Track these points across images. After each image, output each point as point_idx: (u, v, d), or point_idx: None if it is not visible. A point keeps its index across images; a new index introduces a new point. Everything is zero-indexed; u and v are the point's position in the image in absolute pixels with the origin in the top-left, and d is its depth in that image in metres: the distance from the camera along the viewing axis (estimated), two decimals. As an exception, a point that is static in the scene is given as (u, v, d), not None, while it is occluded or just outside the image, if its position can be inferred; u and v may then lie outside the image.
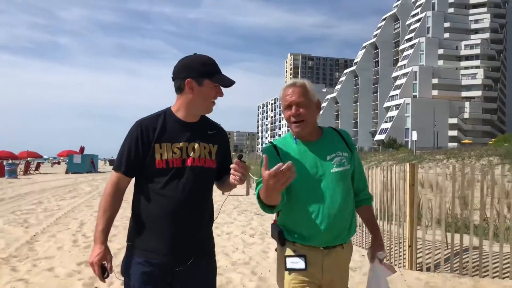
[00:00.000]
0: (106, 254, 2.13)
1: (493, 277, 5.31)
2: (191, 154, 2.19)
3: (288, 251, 2.24)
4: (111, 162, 75.37)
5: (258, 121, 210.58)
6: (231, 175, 2.07)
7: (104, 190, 2.21)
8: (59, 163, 74.40)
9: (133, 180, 2.27)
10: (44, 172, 38.05)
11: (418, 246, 5.82)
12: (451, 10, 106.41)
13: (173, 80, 2.23)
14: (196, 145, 2.20)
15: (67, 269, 5.65)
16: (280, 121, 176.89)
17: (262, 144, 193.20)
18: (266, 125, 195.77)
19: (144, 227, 2.17)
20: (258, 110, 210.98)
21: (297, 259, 2.19)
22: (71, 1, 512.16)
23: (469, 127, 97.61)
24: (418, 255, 5.77)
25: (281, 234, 2.26)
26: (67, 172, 36.28)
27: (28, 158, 39.51)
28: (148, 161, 2.14)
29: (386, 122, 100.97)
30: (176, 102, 2.26)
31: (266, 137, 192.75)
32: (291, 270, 2.19)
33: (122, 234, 7.62)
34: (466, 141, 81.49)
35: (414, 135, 38.97)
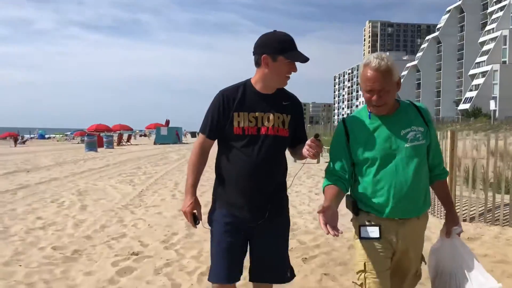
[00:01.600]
0: (196, 204, 2.46)
1: (520, 227, 6.22)
2: (266, 124, 2.40)
3: (362, 221, 2.28)
4: (192, 134, 79.58)
5: (334, 92, 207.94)
6: (306, 150, 2.24)
7: (192, 151, 2.52)
8: (145, 135, 79.59)
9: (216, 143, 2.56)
10: (135, 143, 41.75)
11: (457, 202, 6.79)
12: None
13: (253, 55, 2.42)
14: (271, 116, 2.41)
15: (171, 213, 7.36)
16: (358, 91, 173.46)
17: (338, 116, 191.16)
18: (343, 95, 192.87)
19: (225, 184, 2.47)
20: (335, 80, 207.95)
21: (371, 228, 2.22)
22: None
23: None
24: (457, 209, 6.77)
25: (355, 204, 2.31)
26: (155, 143, 39.56)
27: (121, 131, 43.42)
28: (228, 127, 2.39)
29: (471, 90, 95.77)
30: (255, 75, 2.45)
31: (343, 108, 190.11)
32: (365, 239, 2.24)
33: (209, 192, 9.28)
34: (561, 110, 75.51)
35: (492, 104, 37.51)
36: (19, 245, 5.37)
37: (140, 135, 77.80)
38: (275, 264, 2.54)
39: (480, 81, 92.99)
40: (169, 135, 40.49)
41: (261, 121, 2.39)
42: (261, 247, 2.51)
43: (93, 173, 13.80)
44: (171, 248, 5.27)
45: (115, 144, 35.63)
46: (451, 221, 2.39)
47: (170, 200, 8.71)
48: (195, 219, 2.46)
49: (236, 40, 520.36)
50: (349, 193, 2.39)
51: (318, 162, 16.26)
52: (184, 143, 42.49)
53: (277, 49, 2.31)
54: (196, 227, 2.54)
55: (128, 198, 8.93)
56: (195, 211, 2.45)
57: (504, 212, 6.40)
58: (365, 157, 2.25)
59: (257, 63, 2.39)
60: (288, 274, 2.60)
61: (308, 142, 2.22)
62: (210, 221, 2.56)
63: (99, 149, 27.29)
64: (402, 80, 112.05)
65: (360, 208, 2.30)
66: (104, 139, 30.96)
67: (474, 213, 6.73)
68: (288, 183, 2.63)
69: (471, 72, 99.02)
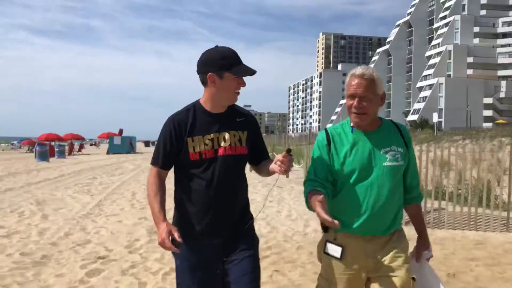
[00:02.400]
0: (170, 228, 2.15)
1: (448, 228, 7.05)
2: (222, 144, 2.28)
3: (329, 236, 2.29)
4: (146, 143, 78.81)
5: (289, 102, 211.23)
6: (277, 166, 2.14)
7: (148, 182, 2.35)
8: (95, 144, 77.95)
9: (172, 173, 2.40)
10: (87, 153, 41.09)
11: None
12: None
13: (197, 74, 2.31)
14: (226, 135, 2.29)
15: (132, 221, 7.73)
16: (311, 102, 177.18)
17: (292, 125, 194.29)
18: (297, 106, 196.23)
19: (188, 214, 2.32)
20: (289, 91, 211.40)
21: (335, 247, 2.24)
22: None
23: (505, 106, 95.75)
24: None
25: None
26: (108, 152, 39.12)
27: (72, 140, 42.61)
28: (183, 154, 2.27)
29: (419, 102, 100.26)
30: (203, 95, 2.34)
31: (297, 118, 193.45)
32: (327, 255, 2.27)
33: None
34: (500, 121, 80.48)
35: (435, 117, 39.78)
36: (-14, 252, 5.61)
37: (91, 144, 76.07)
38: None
39: (427, 93, 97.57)
40: (123, 144, 40.21)
41: (217, 142, 2.29)
42: (235, 282, 2.29)
43: (49, 183, 13.82)
44: (135, 252, 5.69)
45: (66, 154, 35.02)
46: (422, 246, 2.40)
47: (129, 209, 9.04)
48: (175, 244, 2.13)
49: (192, 48, 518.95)
50: None
51: (287, 176, 16.47)
52: (138, 153, 42.24)
53: (223, 65, 2.22)
54: (179, 251, 2.18)
55: (87, 207, 9.18)
56: (172, 234, 2.14)
57: (434, 216, 7.23)
58: (342, 171, 2.24)
59: (204, 82, 2.30)
60: None
61: (279, 157, 2.13)
62: (173, 255, 2.39)
63: (50, 159, 26.85)
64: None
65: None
66: (56, 149, 30.41)
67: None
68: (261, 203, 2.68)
69: (419, 84, 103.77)
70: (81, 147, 41.78)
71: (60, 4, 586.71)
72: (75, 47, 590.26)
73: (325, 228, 2.30)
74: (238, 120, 2.37)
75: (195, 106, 2.34)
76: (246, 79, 2.32)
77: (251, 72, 2.27)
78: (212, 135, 2.28)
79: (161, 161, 2.30)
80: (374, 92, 2.23)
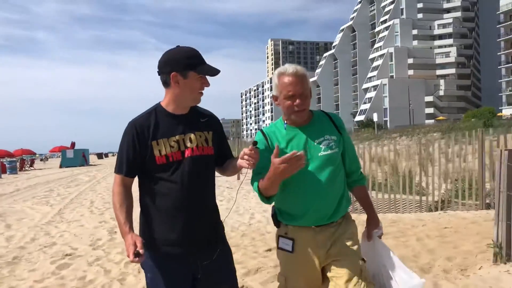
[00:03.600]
0: (135, 240, 2.04)
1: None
2: (189, 145, 2.22)
3: (281, 231, 2.37)
4: (99, 155, 77.62)
5: (242, 108, 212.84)
6: (243, 160, 2.11)
7: (113, 191, 2.23)
8: (46, 159, 75.94)
9: (136, 180, 2.29)
10: (39, 168, 40.38)
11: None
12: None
13: (159, 75, 2.24)
14: (192, 135, 2.24)
15: (92, 225, 8.42)
16: (263, 107, 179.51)
17: (247, 131, 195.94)
18: (250, 111, 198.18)
19: (156, 222, 2.21)
20: (242, 97, 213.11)
21: (286, 241, 2.32)
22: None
23: (444, 104, 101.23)
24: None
25: (274, 217, 2.41)
26: (61, 166, 38.64)
27: (23, 156, 41.74)
28: (148, 158, 2.18)
29: (365, 103, 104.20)
30: (165, 97, 2.26)
31: (251, 123, 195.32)
32: (281, 250, 2.35)
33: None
34: (440, 118, 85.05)
35: (375, 117, 42.09)
36: (-40, 258, 6.19)
37: (40, 160, 73.90)
38: None
39: (372, 94, 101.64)
40: (76, 157, 39.81)
41: (184, 143, 2.21)
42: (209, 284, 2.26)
43: (6, 197, 14.10)
44: (98, 249, 6.43)
45: (18, 169, 34.40)
46: (372, 225, 2.45)
47: (89, 215, 9.68)
48: (138, 255, 2.01)
49: (141, 57, 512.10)
50: (273, 204, 2.43)
51: (238, 178, 15.86)
52: (92, 165, 41.94)
53: (187, 65, 2.17)
54: (140, 261, 2.04)
55: (49, 216, 9.74)
56: (136, 246, 2.02)
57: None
58: None
59: (166, 83, 2.22)
60: None
61: (246, 151, 2.10)
62: (143, 265, 2.26)
63: (2, 175, 26.55)
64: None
65: (280, 220, 2.37)
66: (7, 165, 29.96)
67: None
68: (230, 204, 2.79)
69: (364, 86, 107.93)
70: (33, 162, 40.97)
71: (1, 16, 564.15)
72: (19, 60, 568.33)
73: (276, 223, 2.39)
74: (202, 121, 2.32)
75: (157, 109, 2.26)
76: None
77: (215, 71, 2.24)
78: (177, 137, 2.21)
79: (125, 169, 2.20)
80: (308, 87, 2.28)
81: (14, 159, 35.45)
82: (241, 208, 9.68)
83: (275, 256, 5.69)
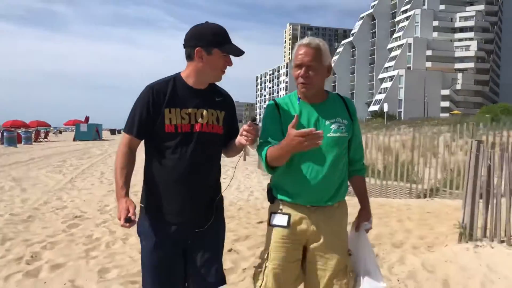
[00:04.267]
0: (129, 205, 2.08)
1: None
2: (199, 120, 2.23)
3: (275, 209, 2.32)
4: (112, 131, 78.74)
5: (256, 92, 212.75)
6: (243, 136, 2.15)
7: (117, 151, 2.25)
8: (60, 132, 77.22)
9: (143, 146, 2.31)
10: (53, 140, 41.38)
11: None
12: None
13: (184, 48, 2.25)
14: (204, 112, 2.25)
15: (101, 193, 9.01)
16: (278, 92, 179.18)
17: (260, 115, 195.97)
18: (265, 95, 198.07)
19: (157, 190, 2.24)
20: (257, 80, 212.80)
21: (280, 216, 2.27)
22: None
23: (460, 98, 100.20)
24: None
25: (269, 192, 2.37)
26: (74, 139, 39.55)
27: (38, 127, 42.75)
28: (158, 125, 2.19)
29: (380, 93, 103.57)
30: (186, 69, 2.27)
31: (264, 108, 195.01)
32: (274, 226, 2.29)
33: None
34: (455, 112, 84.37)
35: (385, 107, 42.20)
36: (-20, 214, 6.81)
37: (54, 132, 75.18)
38: (210, 273, 2.30)
39: (388, 84, 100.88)
40: (89, 131, 40.68)
41: (195, 118, 2.23)
42: (197, 257, 2.29)
43: (21, 165, 14.81)
44: (105, 213, 7.00)
45: (33, 140, 35.39)
46: (363, 217, 2.45)
47: (98, 185, 10.30)
48: (129, 221, 2.05)
49: (158, 35, 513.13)
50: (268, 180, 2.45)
51: (244, 159, 16.51)
52: (104, 140, 42.81)
53: (212, 41, 2.18)
54: (128, 227, 2.07)
55: (61, 183, 10.38)
56: (130, 215, 2.05)
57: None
58: None
59: (189, 57, 2.23)
60: (220, 281, 2.34)
61: (244, 127, 2.13)
62: (139, 232, 2.32)
63: (18, 145, 27.42)
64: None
65: (275, 195, 2.33)
66: (23, 135, 30.87)
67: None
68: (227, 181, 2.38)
69: (381, 76, 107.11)
70: (47, 134, 41.99)
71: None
72: (38, 33, 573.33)
73: (271, 198, 2.36)
74: (217, 100, 2.32)
75: (176, 78, 2.27)
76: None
77: (240, 52, 2.24)
78: (190, 110, 2.23)
79: (136, 129, 2.22)
80: (320, 62, 2.23)
81: (30, 130, 36.42)
82: (242, 186, 10.21)
83: (264, 226, 6.21)
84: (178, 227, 2.24)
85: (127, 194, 2.16)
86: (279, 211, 2.31)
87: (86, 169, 13.84)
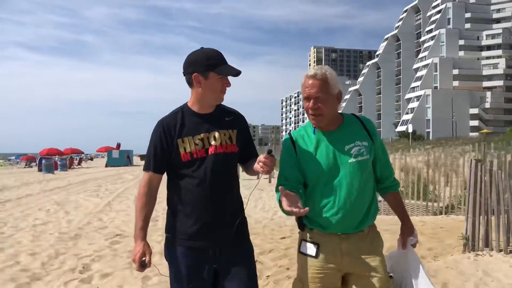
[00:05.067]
0: (145, 250, 2.22)
1: (383, 214, 9.15)
2: (213, 143, 2.29)
3: (305, 236, 2.32)
4: (141, 157, 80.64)
5: (282, 114, 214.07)
6: (260, 167, 2.19)
7: (138, 191, 2.34)
8: (91, 159, 79.50)
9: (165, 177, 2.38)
10: (86, 166, 42.97)
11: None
12: (472, 0, 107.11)
13: (183, 75, 2.33)
14: (216, 133, 2.30)
15: (138, 214, 9.76)
16: (303, 114, 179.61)
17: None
18: (290, 118, 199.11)
19: (180, 216, 2.31)
20: (282, 103, 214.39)
21: (311, 245, 2.27)
22: (95, 0, 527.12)
23: (490, 116, 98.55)
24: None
25: (300, 220, 2.34)
26: (106, 165, 41.01)
27: (71, 154, 44.53)
28: (174, 156, 2.28)
29: (407, 113, 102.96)
30: (190, 97, 2.36)
31: (290, 130, 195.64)
32: (302, 254, 2.30)
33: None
34: (485, 131, 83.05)
35: (410, 128, 42.31)
36: (33, 233, 7.63)
37: (87, 159, 77.37)
38: None
39: (415, 104, 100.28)
40: (121, 158, 42.17)
41: (208, 141, 2.30)
42: (230, 280, 2.30)
43: (61, 190, 15.85)
44: (143, 232, 7.72)
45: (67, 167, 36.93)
46: (407, 232, 2.40)
47: (133, 206, 11.03)
48: (143, 266, 2.22)
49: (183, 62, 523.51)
50: None
51: (270, 181, 17.11)
52: (135, 165, 44.17)
53: (207, 65, 2.25)
54: (143, 271, 2.28)
55: (100, 206, 11.24)
56: (144, 258, 2.22)
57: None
58: (309, 172, 2.26)
59: (189, 83, 2.32)
60: None
61: (261, 158, 2.17)
62: (169, 261, 2.37)
63: (54, 172, 28.83)
64: (344, 103, 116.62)
65: (305, 223, 2.32)
66: (58, 162, 32.39)
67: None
68: (245, 201, 2.50)
69: (407, 96, 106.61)
70: (80, 160, 43.72)
71: (52, 20, 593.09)
72: (69, 62, 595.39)
73: (301, 226, 2.34)
74: (227, 119, 2.38)
75: (183, 109, 2.36)
76: (233, 80, 2.34)
77: (235, 72, 2.28)
78: (202, 135, 2.30)
79: (153, 165, 2.31)
80: (328, 92, 2.23)
81: (64, 157, 38.05)
82: (267, 206, 10.84)
83: (287, 241, 6.80)
84: (206, 251, 2.28)
85: (144, 237, 2.28)
86: (309, 239, 2.31)
87: (121, 193, 14.73)
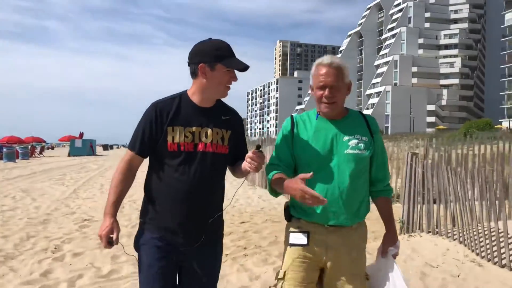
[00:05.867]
0: (113, 227, 2.17)
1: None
2: (203, 139, 2.21)
3: (293, 227, 2.28)
4: (104, 147, 79.68)
5: (247, 107, 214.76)
6: (247, 163, 2.11)
7: (117, 167, 2.26)
8: (52, 148, 77.88)
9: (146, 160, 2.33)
10: (48, 156, 42.26)
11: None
12: (432, 0, 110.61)
13: (188, 65, 2.24)
14: (209, 131, 2.22)
15: (104, 201, 10.02)
16: (269, 107, 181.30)
17: (251, 130, 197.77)
18: (255, 111, 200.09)
19: (156, 206, 2.24)
20: (248, 96, 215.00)
21: (300, 235, 2.23)
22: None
23: (446, 113, 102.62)
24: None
25: (287, 210, 2.32)
26: (69, 155, 40.49)
27: (33, 143, 43.69)
28: (161, 143, 2.18)
29: (367, 109, 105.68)
30: (191, 86, 2.26)
31: (255, 123, 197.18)
32: (293, 245, 2.24)
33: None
34: (441, 127, 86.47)
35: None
36: (1, 218, 7.91)
37: (47, 148, 75.89)
38: None
39: (375, 100, 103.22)
40: (84, 147, 41.71)
41: (198, 137, 2.21)
42: (191, 278, 2.29)
43: (25, 178, 15.90)
44: (110, 217, 8.15)
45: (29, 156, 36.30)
46: (389, 242, 2.35)
47: (100, 195, 11.43)
48: (110, 243, 2.18)
49: (150, 52, 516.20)
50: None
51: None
52: (98, 155, 43.78)
53: (215, 56, 2.17)
54: (110, 248, 2.24)
55: (66, 193, 11.52)
56: (112, 235, 2.17)
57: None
58: (303, 156, 2.23)
59: (194, 74, 2.23)
60: None
61: (249, 154, 2.10)
62: (137, 246, 2.31)
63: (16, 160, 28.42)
64: (308, 98, 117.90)
65: (292, 214, 2.29)
66: (20, 151, 31.84)
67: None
68: (227, 202, 2.44)
69: (368, 92, 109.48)
70: (42, 149, 42.93)
71: (12, 3, 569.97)
72: (30, 49, 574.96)
73: (287, 216, 2.32)
74: (224, 118, 2.30)
75: (182, 96, 2.27)
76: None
77: (244, 66, 2.21)
78: (194, 128, 2.21)
79: (138, 146, 2.22)
80: (343, 81, 2.23)
81: (26, 145, 37.37)
82: (229, 194, 11.35)
83: (246, 225, 7.40)
84: (176, 244, 2.23)
85: (115, 214, 2.21)
86: (298, 229, 2.26)
87: (86, 181, 14.95)
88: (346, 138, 2.24)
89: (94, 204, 9.67)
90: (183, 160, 2.18)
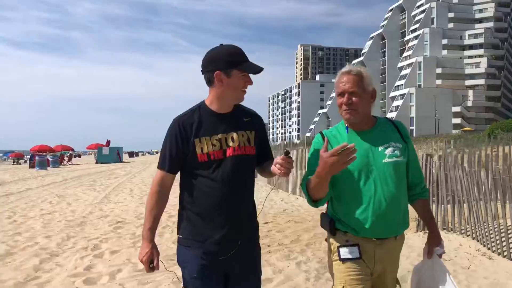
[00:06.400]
0: (153, 253, 2.22)
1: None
2: (231, 144, 2.24)
3: (340, 241, 2.22)
4: (130, 154, 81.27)
5: (269, 112, 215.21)
6: (277, 169, 2.12)
7: (150, 189, 2.28)
8: (79, 156, 79.82)
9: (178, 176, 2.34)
10: (76, 163, 43.56)
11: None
12: (455, 0, 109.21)
13: (202, 74, 2.26)
14: (234, 135, 2.25)
15: (135, 205, 10.71)
16: (290, 112, 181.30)
17: (273, 135, 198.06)
18: (277, 115, 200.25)
19: (195, 218, 2.24)
20: (269, 101, 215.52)
21: (351, 249, 2.17)
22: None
23: (472, 114, 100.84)
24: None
25: (332, 224, 2.25)
26: (97, 162, 41.67)
27: (62, 151, 45.08)
28: (190, 156, 2.21)
29: (391, 111, 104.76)
30: (208, 95, 2.29)
31: (277, 128, 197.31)
32: (345, 260, 2.17)
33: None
34: (467, 128, 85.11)
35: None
36: (42, 221, 8.51)
37: (74, 156, 77.84)
38: None
39: (399, 102, 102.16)
40: (111, 154, 42.91)
41: (225, 142, 2.24)
42: (237, 284, 2.32)
43: (58, 185, 16.69)
44: (142, 219, 8.63)
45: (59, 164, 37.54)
46: (433, 242, 2.34)
47: (130, 199, 12.01)
48: (151, 268, 2.25)
49: (171, 59, 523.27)
50: (324, 212, 2.37)
51: (256, 176, 18.71)
52: (125, 162, 44.86)
53: (230, 62, 2.19)
54: (151, 272, 2.30)
55: (98, 198, 12.15)
56: (152, 261, 2.23)
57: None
58: (341, 172, 2.11)
59: (210, 82, 2.25)
60: None
61: (278, 159, 2.12)
62: (180, 264, 2.31)
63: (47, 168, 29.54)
64: (330, 102, 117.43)
65: (337, 227, 2.24)
66: (50, 159, 33.04)
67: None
68: (259, 207, 2.48)
69: (392, 94, 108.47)
70: (71, 157, 44.33)
71: (37, 15, 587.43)
72: (54, 59, 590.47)
73: (333, 230, 2.26)
74: (245, 120, 2.33)
75: (201, 107, 2.30)
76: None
77: (259, 69, 2.25)
78: (219, 136, 2.24)
79: (168, 164, 2.25)
80: (363, 88, 2.21)
81: (56, 153, 38.67)
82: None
83: (270, 225, 7.77)
84: (219, 254, 2.22)
85: (152, 238, 2.25)
86: (346, 242, 2.20)
87: (116, 187, 15.62)
88: (381, 147, 2.22)
89: (125, 208, 10.22)
90: (214, 168, 2.21)
